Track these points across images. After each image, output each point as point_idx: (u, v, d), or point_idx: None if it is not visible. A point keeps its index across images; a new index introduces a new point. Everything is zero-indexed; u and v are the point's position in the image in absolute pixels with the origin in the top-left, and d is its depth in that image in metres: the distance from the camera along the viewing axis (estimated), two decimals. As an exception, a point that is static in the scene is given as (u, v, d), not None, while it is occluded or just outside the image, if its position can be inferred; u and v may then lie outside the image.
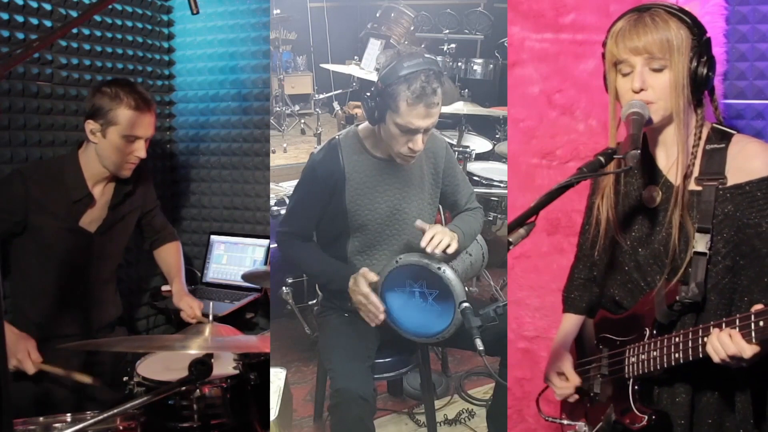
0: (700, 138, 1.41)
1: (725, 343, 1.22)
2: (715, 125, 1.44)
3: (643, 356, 1.42)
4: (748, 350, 1.19)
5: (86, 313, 2.20)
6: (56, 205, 2.07)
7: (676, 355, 1.34)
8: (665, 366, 1.37)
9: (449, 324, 1.90)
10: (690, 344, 1.31)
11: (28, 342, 1.96)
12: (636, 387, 1.45)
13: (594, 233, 1.58)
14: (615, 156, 1.33)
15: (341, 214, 2.03)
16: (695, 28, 1.36)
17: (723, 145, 1.39)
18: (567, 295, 1.75)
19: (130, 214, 2.31)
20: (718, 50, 1.87)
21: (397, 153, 1.96)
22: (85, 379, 1.98)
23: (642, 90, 1.36)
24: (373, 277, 1.94)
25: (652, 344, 1.40)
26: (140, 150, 2.10)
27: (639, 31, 1.35)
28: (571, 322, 1.72)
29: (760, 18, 1.86)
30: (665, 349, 1.37)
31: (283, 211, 3.06)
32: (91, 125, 2.06)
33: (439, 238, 1.88)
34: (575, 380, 1.61)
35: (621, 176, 1.52)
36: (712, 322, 1.27)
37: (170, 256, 2.53)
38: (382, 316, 1.92)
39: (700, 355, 1.29)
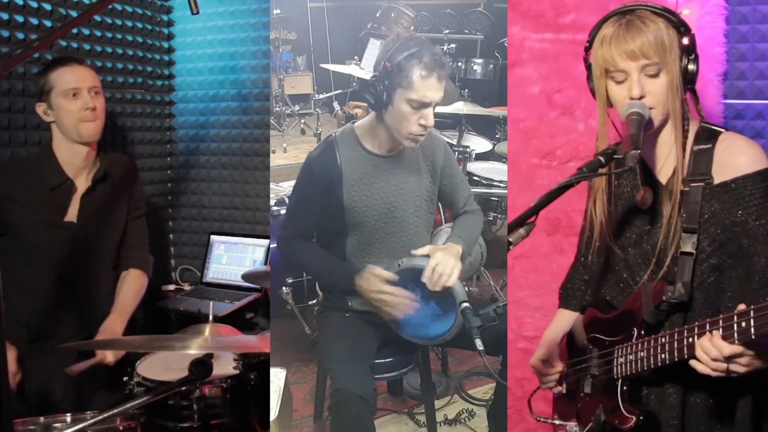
0: (686, 136, 1.41)
1: (707, 348, 1.20)
2: (703, 124, 1.43)
3: (630, 357, 1.42)
4: (726, 349, 1.16)
5: (79, 311, 2.16)
6: (32, 197, 2.06)
7: (663, 355, 1.33)
8: (651, 366, 1.36)
9: (451, 326, 1.90)
10: (675, 345, 1.30)
11: (9, 353, 1.91)
12: (625, 387, 1.45)
13: (588, 235, 1.58)
14: (615, 156, 1.33)
15: (339, 212, 2.03)
16: (681, 26, 1.36)
17: (710, 145, 1.38)
18: (563, 292, 1.76)
19: (111, 201, 2.23)
20: (718, 50, 1.88)
21: (408, 134, 1.94)
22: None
23: (642, 97, 1.35)
24: (390, 275, 1.93)
25: (640, 345, 1.40)
26: (87, 101, 2.05)
27: (633, 34, 1.33)
28: (564, 318, 1.73)
29: (760, 18, 1.86)
30: (652, 349, 1.36)
31: (283, 211, 3.06)
32: (41, 107, 2.07)
33: (440, 270, 1.88)
34: (559, 366, 1.64)
35: (613, 177, 1.52)
36: (696, 322, 1.26)
37: (127, 283, 2.25)
38: (417, 304, 1.93)
39: (685, 356, 1.28)
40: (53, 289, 2.11)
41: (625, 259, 1.50)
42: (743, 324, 1.15)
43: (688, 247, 1.36)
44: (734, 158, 1.35)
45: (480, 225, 2.24)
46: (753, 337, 1.13)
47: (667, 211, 1.40)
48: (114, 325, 2.11)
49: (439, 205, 2.25)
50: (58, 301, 2.12)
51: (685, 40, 1.35)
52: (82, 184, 2.15)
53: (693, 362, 1.24)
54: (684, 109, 1.40)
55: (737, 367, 1.19)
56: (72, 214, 2.13)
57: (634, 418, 1.40)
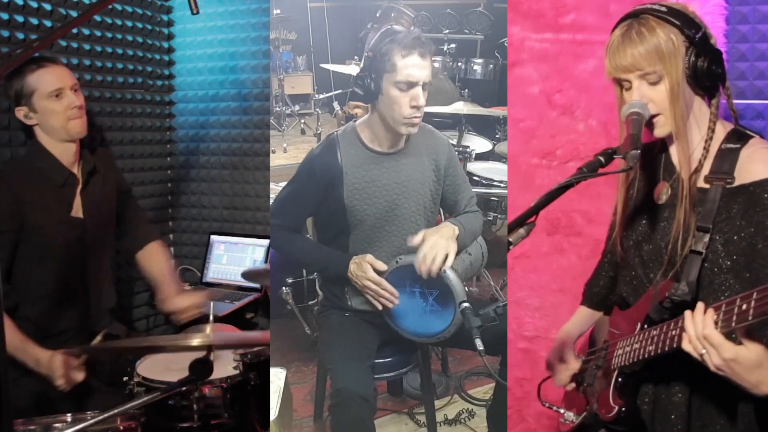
0: (713, 134, 1.40)
1: (697, 323, 1.19)
2: (737, 127, 1.42)
3: (627, 348, 1.43)
4: (708, 328, 1.15)
5: (84, 305, 2.17)
6: (47, 198, 2.07)
7: (650, 347, 1.34)
8: (640, 358, 1.37)
9: (450, 324, 1.90)
10: (661, 336, 1.30)
11: (59, 357, 1.89)
12: (620, 379, 1.46)
13: (611, 230, 1.59)
14: (615, 156, 1.33)
15: (340, 210, 2.03)
16: (687, 28, 1.33)
17: (738, 146, 1.37)
18: (585, 289, 1.77)
19: (105, 192, 2.25)
20: (718, 50, 1.88)
21: (402, 118, 1.94)
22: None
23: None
24: (381, 265, 1.94)
25: (636, 337, 1.41)
26: (73, 100, 2.07)
27: (626, 48, 1.34)
28: (582, 314, 1.73)
29: (760, 18, 1.86)
30: (643, 341, 1.37)
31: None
32: (21, 111, 2.06)
33: (431, 255, 1.86)
34: (575, 365, 1.63)
35: (637, 173, 1.51)
36: (682, 316, 1.25)
37: (154, 257, 2.35)
38: (397, 302, 1.94)
39: (667, 348, 1.28)
40: (63, 287, 2.11)
41: (639, 255, 1.50)
42: (729, 311, 1.13)
43: (699, 246, 1.36)
44: (753, 164, 1.34)
45: (480, 224, 2.23)
46: (733, 324, 1.11)
47: (681, 207, 1.39)
48: (178, 293, 2.25)
49: (440, 209, 2.25)
50: (66, 297, 2.12)
51: (691, 41, 1.32)
52: (78, 179, 2.16)
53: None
54: (704, 104, 1.40)
55: (708, 359, 1.18)
56: (77, 210, 2.15)
57: (616, 408, 1.41)
